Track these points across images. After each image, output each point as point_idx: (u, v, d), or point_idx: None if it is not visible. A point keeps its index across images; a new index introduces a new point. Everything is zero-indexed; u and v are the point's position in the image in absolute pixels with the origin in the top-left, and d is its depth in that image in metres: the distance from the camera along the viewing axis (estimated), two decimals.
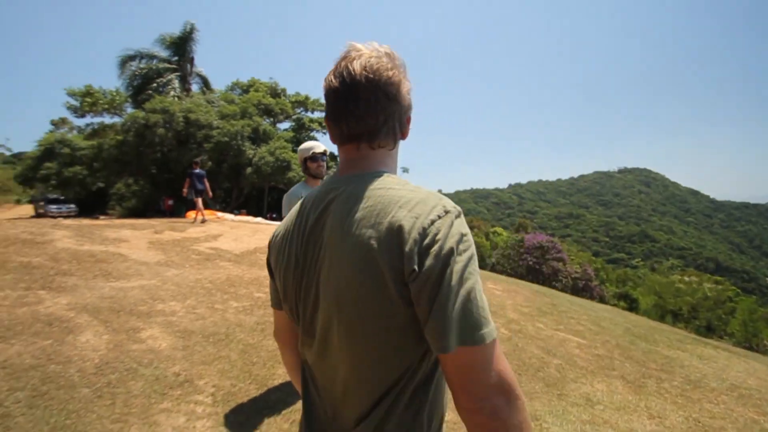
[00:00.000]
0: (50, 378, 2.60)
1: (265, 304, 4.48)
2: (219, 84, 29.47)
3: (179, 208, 18.08)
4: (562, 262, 17.29)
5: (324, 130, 28.43)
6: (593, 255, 47.02)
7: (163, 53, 21.16)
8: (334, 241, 0.67)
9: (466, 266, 0.60)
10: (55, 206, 20.53)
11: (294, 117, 27.13)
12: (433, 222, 0.61)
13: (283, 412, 2.61)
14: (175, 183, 20.18)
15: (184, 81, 22.02)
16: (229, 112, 19.62)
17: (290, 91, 27.82)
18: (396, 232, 0.61)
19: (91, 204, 26.27)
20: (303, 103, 27.12)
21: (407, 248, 0.59)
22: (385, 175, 0.71)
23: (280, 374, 3.09)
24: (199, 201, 10.65)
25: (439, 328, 0.58)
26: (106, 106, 18.43)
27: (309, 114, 27.87)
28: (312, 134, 29.46)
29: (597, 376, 3.71)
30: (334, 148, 0.84)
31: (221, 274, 5.48)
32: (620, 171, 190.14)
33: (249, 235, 9.17)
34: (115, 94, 18.98)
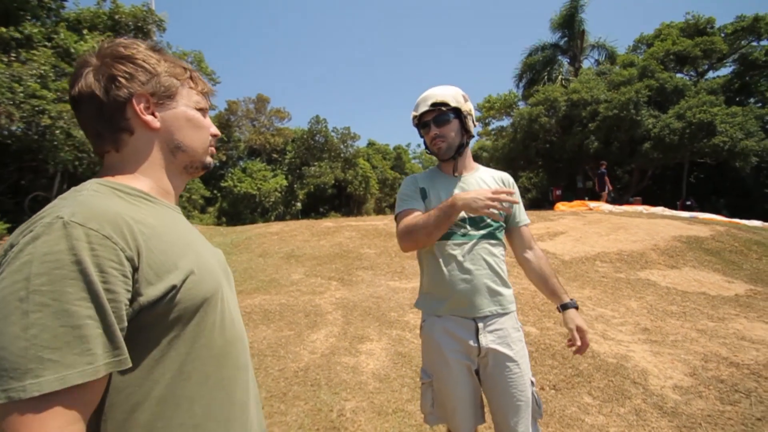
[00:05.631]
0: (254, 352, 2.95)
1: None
2: (623, 45, 24.82)
3: (568, 198, 17.36)
4: None
5: None
6: None
7: (553, 39, 20.86)
8: None
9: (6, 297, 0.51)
10: None
11: (731, 56, 18.66)
12: (18, 244, 0.54)
13: None
14: (563, 172, 19.61)
15: (575, 60, 20.74)
16: (621, 78, 16.40)
17: (724, 20, 19.29)
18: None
19: None
20: (750, 28, 17.96)
21: None
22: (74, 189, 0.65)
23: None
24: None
25: None
26: (501, 109, 20.69)
27: (761, 43, 18.12)
28: None
29: None
30: None
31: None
32: None
33: (602, 233, 7.13)
34: (507, 96, 20.98)
